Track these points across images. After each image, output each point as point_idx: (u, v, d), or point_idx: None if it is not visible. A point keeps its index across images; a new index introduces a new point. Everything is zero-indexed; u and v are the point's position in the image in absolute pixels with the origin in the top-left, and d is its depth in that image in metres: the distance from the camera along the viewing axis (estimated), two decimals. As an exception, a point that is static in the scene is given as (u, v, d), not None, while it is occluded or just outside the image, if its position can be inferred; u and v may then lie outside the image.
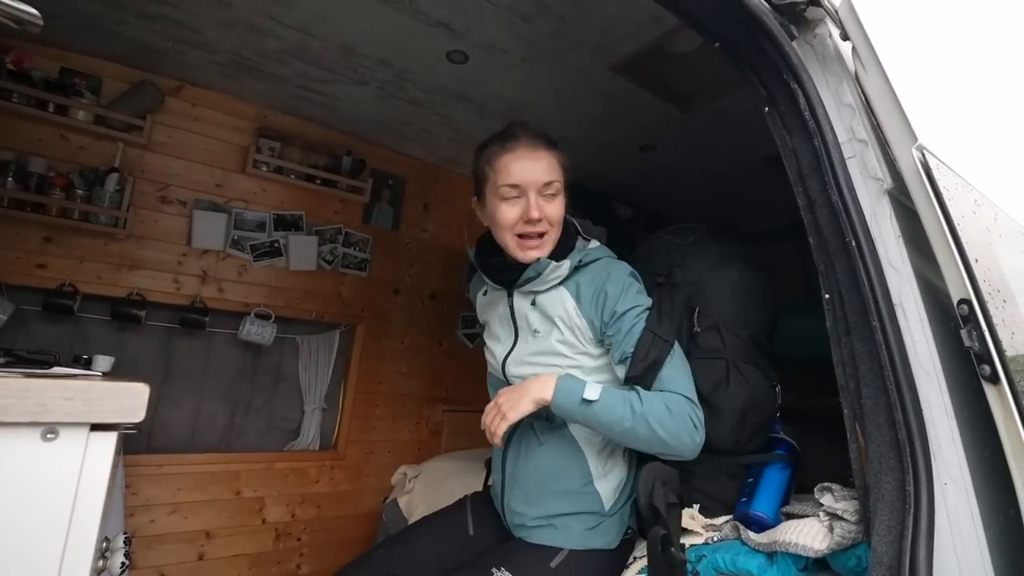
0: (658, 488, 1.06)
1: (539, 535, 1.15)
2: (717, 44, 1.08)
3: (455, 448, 2.56)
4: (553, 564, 1.08)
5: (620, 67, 1.81)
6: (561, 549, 1.10)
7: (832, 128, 0.97)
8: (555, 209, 1.14)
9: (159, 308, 2.08)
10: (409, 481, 2.12)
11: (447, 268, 2.81)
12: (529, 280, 1.16)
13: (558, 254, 1.17)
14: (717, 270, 1.33)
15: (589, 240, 1.25)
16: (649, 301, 1.14)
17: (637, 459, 1.22)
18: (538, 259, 1.13)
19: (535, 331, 1.18)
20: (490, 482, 1.39)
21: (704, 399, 1.14)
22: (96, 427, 0.49)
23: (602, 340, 1.14)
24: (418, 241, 2.72)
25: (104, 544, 1.02)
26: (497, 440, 1.07)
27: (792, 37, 1.03)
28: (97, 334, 1.98)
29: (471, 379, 2.80)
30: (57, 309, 1.82)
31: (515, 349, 1.22)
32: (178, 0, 1.63)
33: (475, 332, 2.89)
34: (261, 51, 1.88)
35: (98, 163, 1.94)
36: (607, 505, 1.15)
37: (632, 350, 1.07)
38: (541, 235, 1.14)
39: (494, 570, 1.07)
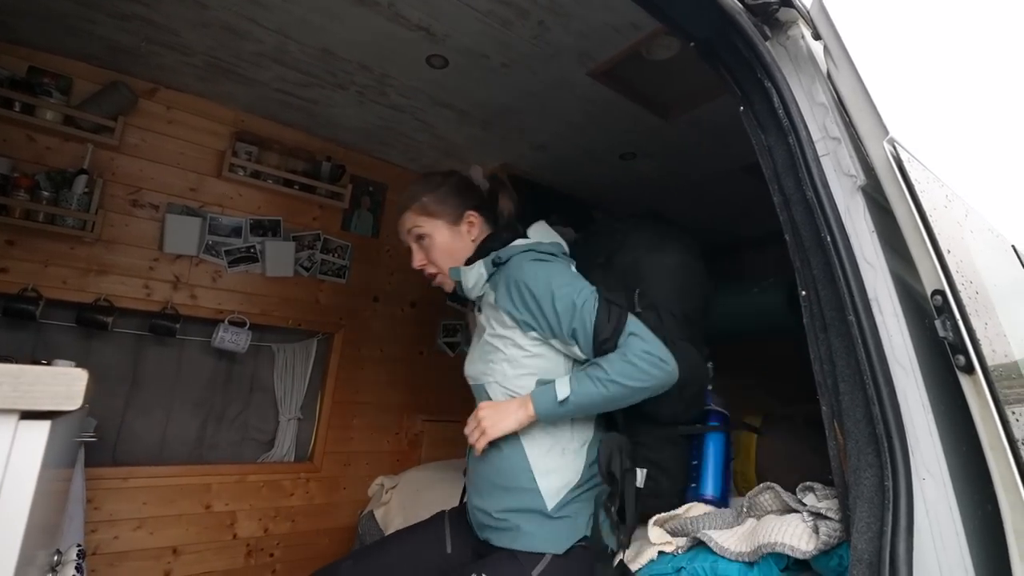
0: (615, 456, 1.14)
1: (494, 536, 1.15)
2: (692, 44, 1.09)
3: (435, 459, 2.51)
4: (534, 573, 1.05)
5: (599, 73, 1.82)
6: (542, 556, 1.07)
7: (806, 126, 0.98)
8: (431, 250, 1.32)
9: (128, 315, 2.01)
10: (386, 492, 2.07)
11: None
12: (465, 290, 1.30)
13: (472, 261, 1.29)
14: (653, 252, 1.42)
15: (515, 236, 1.32)
16: (567, 274, 1.21)
17: (594, 470, 1.20)
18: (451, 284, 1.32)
19: (480, 332, 1.29)
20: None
21: None
22: (27, 415, 0.45)
23: (524, 326, 1.18)
24: (398, 249, 2.68)
25: (55, 557, 0.96)
26: (477, 452, 1.17)
27: (766, 37, 1.04)
28: (61, 341, 1.91)
29: (452, 389, 2.75)
30: (18, 314, 1.75)
31: (470, 355, 1.33)
32: (152, -1, 1.61)
33: (455, 341, 2.85)
34: (238, 53, 1.85)
35: (66, 165, 1.88)
36: (549, 504, 1.13)
37: (592, 325, 1.11)
38: (435, 274, 1.34)
39: (472, 575, 1.04)
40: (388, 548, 1.31)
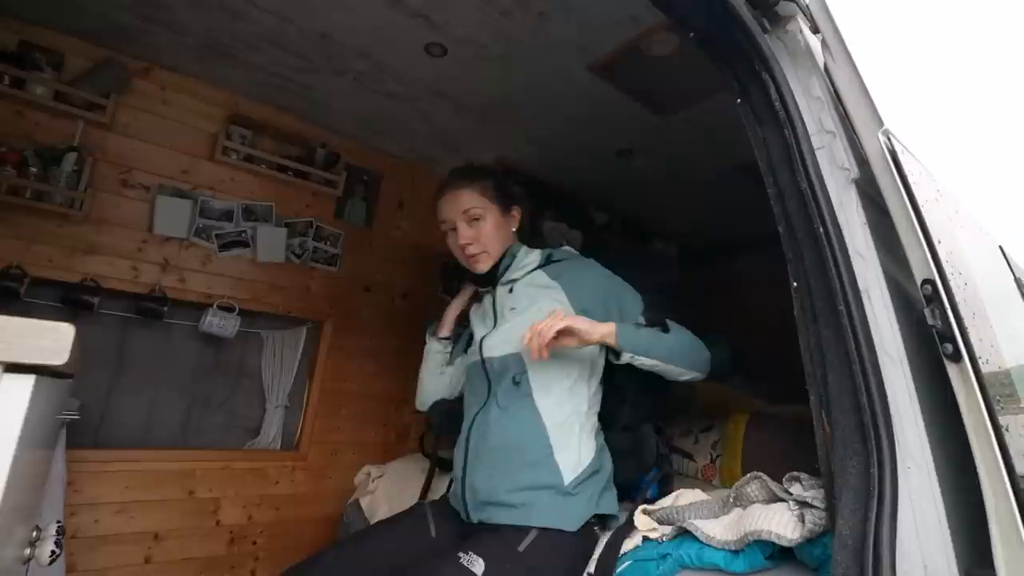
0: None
1: (500, 514, 1.15)
2: (692, 35, 1.10)
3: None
4: (520, 547, 1.05)
5: (598, 68, 1.83)
6: (528, 531, 1.08)
7: (802, 119, 0.99)
8: (482, 231, 1.37)
9: (115, 296, 1.98)
10: (372, 481, 2.06)
11: (421, 268, 2.76)
12: (507, 268, 1.40)
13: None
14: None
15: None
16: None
17: (607, 449, 1.30)
18: (488, 266, 1.39)
19: (512, 309, 1.35)
20: (449, 489, 1.40)
21: (610, 379, 1.35)
22: (11, 368, 0.44)
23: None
24: (392, 239, 2.68)
25: (35, 533, 0.95)
26: (540, 353, 1.11)
27: (765, 30, 1.05)
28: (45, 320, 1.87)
29: (441, 381, 2.75)
30: (2, 292, 1.71)
31: (494, 331, 1.35)
32: (148, -25, 1.59)
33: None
34: (235, 35, 1.83)
35: (56, 141, 1.84)
36: (567, 479, 1.15)
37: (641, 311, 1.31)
38: (481, 253, 1.37)
39: (461, 555, 1.03)
40: (372, 537, 1.30)
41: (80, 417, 1.65)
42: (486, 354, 1.33)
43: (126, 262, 1.98)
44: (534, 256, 1.42)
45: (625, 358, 1.17)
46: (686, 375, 1.23)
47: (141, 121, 2.03)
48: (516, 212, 1.46)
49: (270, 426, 2.31)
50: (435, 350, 1.58)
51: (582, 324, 1.13)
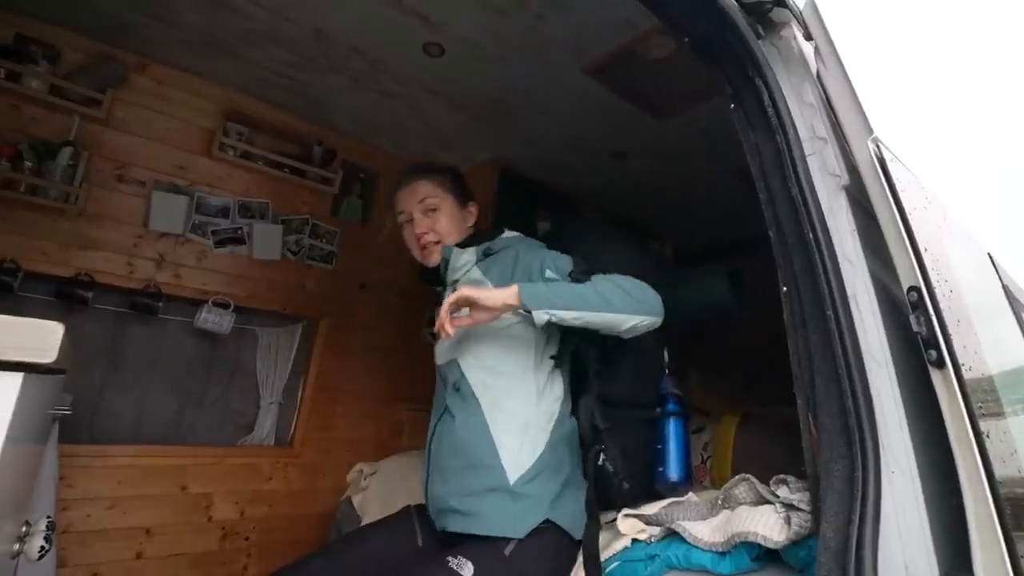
0: (596, 412, 1.23)
1: (454, 521, 1.14)
2: (687, 39, 1.10)
3: (416, 448, 2.50)
4: (507, 552, 1.06)
5: (594, 70, 1.84)
6: (508, 540, 1.08)
7: (794, 125, 1.00)
8: (437, 221, 1.38)
9: (109, 291, 1.98)
10: (365, 479, 2.07)
11: (417, 266, 2.76)
12: (446, 270, 1.37)
13: (465, 246, 1.37)
14: (604, 255, 1.41)
15: (503, 231, 1.44)
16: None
17: (573, 442, 1.26)
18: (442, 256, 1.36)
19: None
20: None
21: (606, 359, 1.31)
22: (-1, 366, 0.44)
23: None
24: (388, 237, 2.67)
25: (24, 528, 0.95)
26: (450, 332, 1.10)
27: (759, 36, 1.06)
28: (38, 315, 1.83)
29: (435, 379, 2.75)
30: (-4, 286, 1.72)
31: (441, 339, 1.32)
32: (146, -30, 1.59)
33: (442, 332, 2.85)
34: (232, 31, 1.84)
35: (51, 136, 1.85)
36: (512, 479, 1.12)
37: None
38: (436, 243, 1.37)
39: (450, 558, 1.04)
40: (359, 542, 1.30)
41: (73, 412, 1.65)
42: (436, 362, 1.36)
43: (121, 257, 1.98)
44: (468, 255, 1.36)
45: (542, 317, 1.08)
46: (630, 322, 1.12)
47: (137, 116, 2.03)
48: (472, 208, 1.46)
49: (264, 423, 2.32)
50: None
51: (475, 292, 1.10)
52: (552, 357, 1.26)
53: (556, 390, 1.25)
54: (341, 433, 2.48)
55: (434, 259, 1.38)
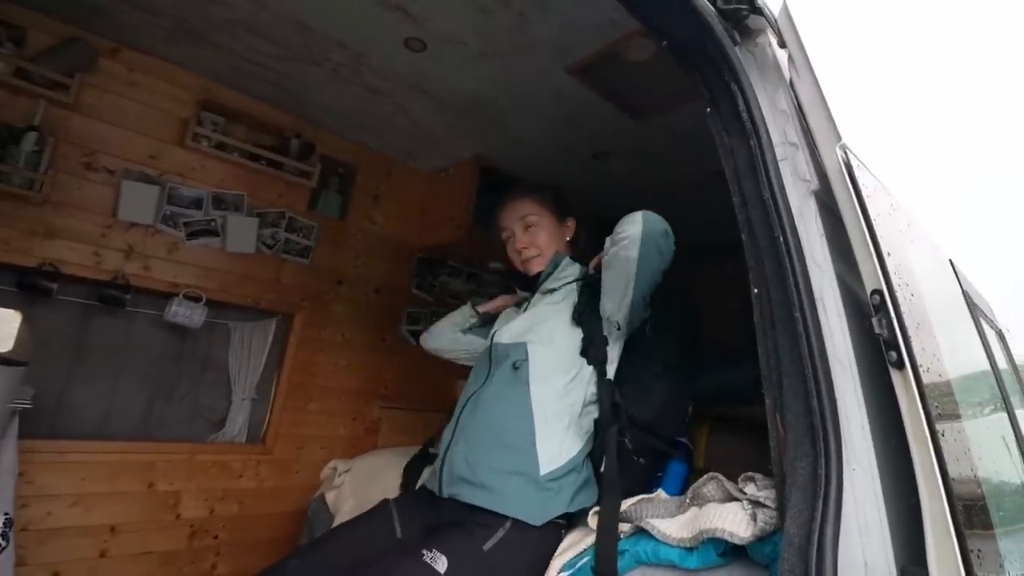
0: (616, 393, 1.29)
1: (469, 492, 1.15)
2: (665, 43, 1.12)
3: (392, 446, 2.49)
4: (486, 547, 1.06)
5: (577, 70, 1.84)
6: (495, 529, 1.09)
7: (767, 130, 1.02)
8: (537, 236, 1.50)
9: (75, 282, 1.92)
10: (339, 476, 2.05)
11: (395, 263, 2.75)
12: (548, 276, 1.47)
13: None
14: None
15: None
16: None
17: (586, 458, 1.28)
18: (541, 269, 1.48)
19: (535, 308, 1.45)
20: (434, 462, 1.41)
21: (642, 381, 1.36)
22: (-47, 355, 0.43)
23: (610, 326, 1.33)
24: (366, 233, 2.65)
25: (-20, 524, 0.92)
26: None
27: (735, 43, 1.08)
28: None
29: (413, 377, 2.74)
30: (-47, 274, 1.65)
31: (511, 324, 1.43)
32: (119, -47, 1.54)
33: (419, 329, 2.83)
34: (209, 18, 1.79)
35: (14, 120, 1.78)
36: (543, 470, 1.16)
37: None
38: (535, 257, 1.49)
39: (424, 551, 1.04)
40: (336, 540, 1.29)
41: (34, 406, 1.59)
42: (496, 340, 1.42)
43: (88, 247, 1.93)
44: (574, 268, 1.48)
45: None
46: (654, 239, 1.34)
47: (107, 103, 1.97)
48: (570, 222, 1.56)
49: (235, 419, 2.28)
50: (464, 312, 1.73)
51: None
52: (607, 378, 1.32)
53: (594, 413, 1.31)
54: (315, 431, 2.45)
55: (536, 267, 1.49)
